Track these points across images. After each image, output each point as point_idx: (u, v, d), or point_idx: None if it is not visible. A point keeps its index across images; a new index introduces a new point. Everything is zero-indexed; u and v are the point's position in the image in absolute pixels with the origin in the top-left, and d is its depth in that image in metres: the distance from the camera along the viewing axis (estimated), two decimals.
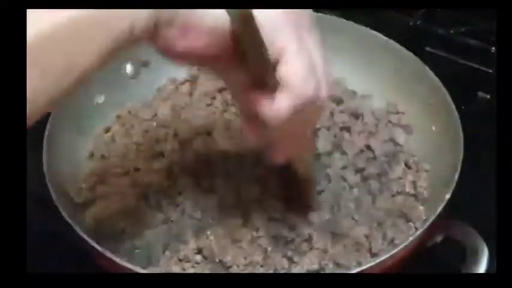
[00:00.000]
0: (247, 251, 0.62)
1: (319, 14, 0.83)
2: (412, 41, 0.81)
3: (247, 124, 0.53)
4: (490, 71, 0.87)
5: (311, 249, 0.63)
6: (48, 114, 0.67)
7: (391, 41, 0.79)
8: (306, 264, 0.62)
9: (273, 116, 0.47)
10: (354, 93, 0.81)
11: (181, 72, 0.83)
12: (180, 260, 0.62)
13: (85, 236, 0.58)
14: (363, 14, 0.85)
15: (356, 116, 0.78)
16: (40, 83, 0.40)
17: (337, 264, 0.62)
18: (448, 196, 0.61)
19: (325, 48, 0.49)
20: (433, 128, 0.74)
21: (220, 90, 0.79)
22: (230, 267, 0.61)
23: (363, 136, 0.75)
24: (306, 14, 0.49)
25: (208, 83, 0.80)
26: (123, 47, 0.43)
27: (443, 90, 0.72)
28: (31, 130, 0.41)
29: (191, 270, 0.61)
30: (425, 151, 0.73)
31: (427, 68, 0.75)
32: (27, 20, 0.39)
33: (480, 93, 0.86)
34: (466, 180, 0.62)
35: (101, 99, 0.77)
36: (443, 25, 0.93)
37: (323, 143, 0.72)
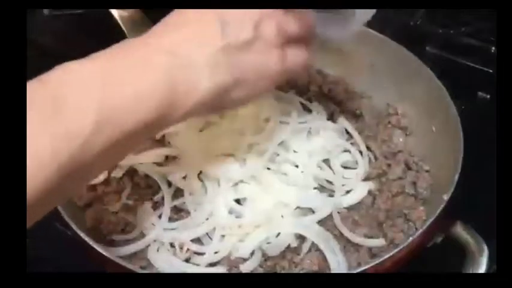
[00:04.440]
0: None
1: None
2: (412, 41, 0.81)
3: None
4: (490, 71, 0.87)
5: (310, 250, 0.63)
6: None
7: (392, 41, 0.79)
8: (306, 265, 0.62)
9: None
10: (354, 93, 0.81)
11: None
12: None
13: (85, 236, 0.58)
14: None
15: (356, 116, 0.78)
16: None
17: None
18: (447, 196, 0.61)
19: None
20: (433, 128, 0.74)
21: None
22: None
23: (363, 136, 0.75)
24: None
25: None
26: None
27: (443, 90, 0.72)
28: None
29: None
30: (425, 151, 0.73)
31: (427, 68, 0.75)
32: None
33: (480, 93, 0.86)
34: (466, 180, 0.62)
35: None
36: (443, 25, 0.93)
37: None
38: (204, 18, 0.53)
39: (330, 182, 0.70)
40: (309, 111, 0.78)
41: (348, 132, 0.76)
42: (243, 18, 0.54)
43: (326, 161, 0.72)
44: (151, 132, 0.52)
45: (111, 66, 0.47)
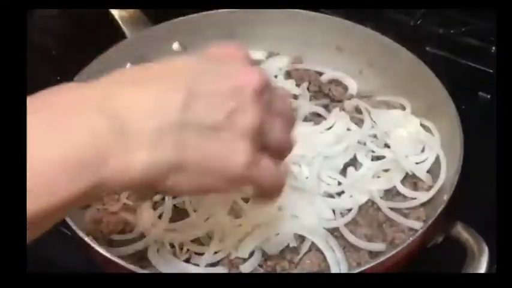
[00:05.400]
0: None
1: (320, 14, 0.84)
2: (412, 41, 0.81)
3: None
4: (490, 71, 0.87)
5: (310, 250, 0.63)
6: None
7: (392, 41, 0.79)
8: (306, 265, 0.62)
9: None
10: (354, 93, 0.81)
11: None
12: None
13: (85, 236, 0.58)
14: (363, 14, 0.85)
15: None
16: None
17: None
18: (447, 197, 0.61)
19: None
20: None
21: None
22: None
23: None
24: None
25: None
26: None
27: (443, 90, 0.72)
28: None
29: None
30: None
31: (427, 68, 0.75)
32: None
33: (480, 93, 0.86)
34: (466, 180, 0.62)
35: None
36: (443, 25, 0.93)
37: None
38: (173, 81, 0.44)
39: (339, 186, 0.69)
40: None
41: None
42: (218, 97, 0.45)
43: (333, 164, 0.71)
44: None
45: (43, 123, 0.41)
